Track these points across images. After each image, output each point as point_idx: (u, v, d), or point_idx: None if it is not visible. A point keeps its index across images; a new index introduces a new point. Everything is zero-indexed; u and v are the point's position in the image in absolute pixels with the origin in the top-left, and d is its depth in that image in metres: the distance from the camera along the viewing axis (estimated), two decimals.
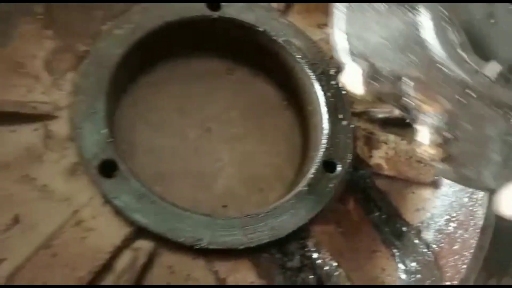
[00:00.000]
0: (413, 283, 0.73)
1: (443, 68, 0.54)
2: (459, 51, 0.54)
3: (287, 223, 0.72)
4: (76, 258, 0.63)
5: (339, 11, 0.59)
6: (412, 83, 0.55)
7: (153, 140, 0.83)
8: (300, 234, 0.73)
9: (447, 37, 0.54)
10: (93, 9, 0.75)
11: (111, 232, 0.65)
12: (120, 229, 0.66)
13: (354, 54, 0.57)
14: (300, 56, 0.82)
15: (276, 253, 0.72)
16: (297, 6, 0.87)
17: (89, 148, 0.67)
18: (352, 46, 0.58)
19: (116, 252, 0.64)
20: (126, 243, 0.65)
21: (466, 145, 0.54)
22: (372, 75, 0.56)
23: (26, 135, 0.66)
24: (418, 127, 0.54)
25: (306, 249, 0.73)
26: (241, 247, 0.69)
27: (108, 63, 0.72)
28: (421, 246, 0.76)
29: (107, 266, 0.64)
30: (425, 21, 0.56)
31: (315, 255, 0.73)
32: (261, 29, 0.82)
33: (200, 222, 0.68)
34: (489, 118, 0.54)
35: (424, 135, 0.54)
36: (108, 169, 0.66)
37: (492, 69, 0.54)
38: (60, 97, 0.69)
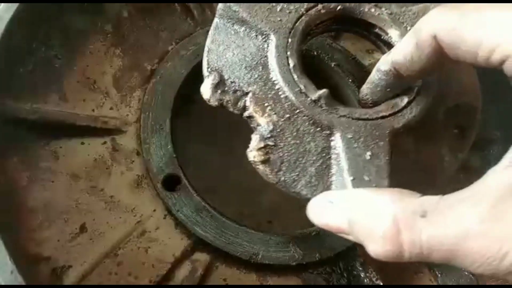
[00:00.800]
0: None
1: (277, 86, 0.62)
2: (292, 73, 0.62)
3: (336, 243, 0.75)
4: (140, 268, 0.65)
5: (212, 31, 0.68)
6: (250, 96, 0.62)
7: (204, 155, 0.87)
8: (348, 254, 0.75)
9: (283, 62, 0.62)
10: (160, 30, 0.78)
11: (172, 243, 0.68)
12: (180, 241, 0.68)
13: (211, 68, 0.66)
14: (351, 80, 0.85)
15: (324, 271, 0.75)
16: (346, 33, 0.88)
17: (155, 163, 0.70)
18: (210, 61, 0.66)
19: (177, 263, 0.67)
20: (185, 255, 0.68)
21: (286, 154, 0.61)
22: (220, 86, 0.63)
23: (96, 147, 0.69)
24: (252, 136, 0.61)
25: (353, 268, 0.75)
26: (293, 263, 0.72)
27: (174, 82, 0.76)
28: (463, 270, 0.77)
29: (168, 276, 0.66)
30: (271, 47, 0.64)
31: (362, 274, 0.74)
32: (314, 53, 0.84)
33: (255, 237, 0.72)
34: (310, 134, 0.61)
35: (253, 141, 0.61)
36: (171, 183, 0.69)
37: (317, 93, 0.62)
38: (128, 112, 0.72)
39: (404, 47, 0.56)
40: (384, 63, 0.60)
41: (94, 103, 0.71)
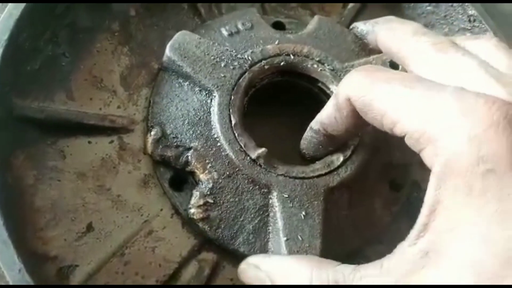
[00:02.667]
0: None
1: (218, 144, 0.64)
2: (234, 131, 0.63)
3: None
4: (147, 267, 0.65)
5: (157, 83, 0.70)
6: (192, 152, 0.64)
7: None
8: None
9: (225, 119, 0.64)
10: (167, 29, 0.77)
11: (179, 242, 0.67)
12: (187, 240, 0.68)
13: (153, 121, 0.68)
14: None
15: None
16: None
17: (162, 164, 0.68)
18: (153, 114, 0.69)
19: (183, 263, 0.66)
20: (192, 254, 0.67)
21: (224, 212, 0.63)
22: (162, 141, 0.66)
23: (103, 146, 0.67)
24: (193, 191, 0.64)
25: None
26: None
27: None
28: None
29: (175, 276, 0.66)
30: (214, 103, 0.65)
31: None
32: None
33: None
34: (248, 192, 0.63)
35: (193, 197, 0.63)
36: (179, 182, 0.68)
37: (256, 151, 0.63)
38: (135, 111, 0.71)
39: (327, 109, 0.60)
40: (315, 122, 0.62)
41: (102, 101, 0.69)
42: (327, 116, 0.59)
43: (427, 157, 0.47)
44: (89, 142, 0.67)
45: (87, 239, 0.62)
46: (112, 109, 0.70)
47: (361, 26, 0.66)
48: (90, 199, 0.64)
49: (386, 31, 0.62)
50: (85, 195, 0.64)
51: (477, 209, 0.42)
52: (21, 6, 0.63)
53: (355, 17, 0.82)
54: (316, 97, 0.71)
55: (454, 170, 0.43)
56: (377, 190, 0.70)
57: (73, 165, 0.65)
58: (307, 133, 0.64)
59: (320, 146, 0.64)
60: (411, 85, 0.48)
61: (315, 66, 0.69)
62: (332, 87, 0.69)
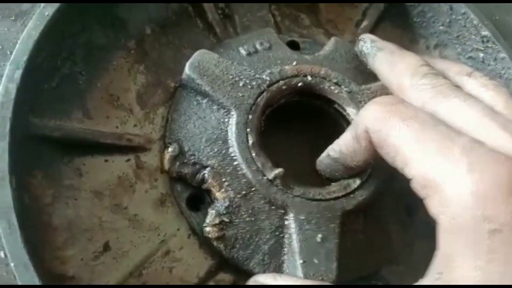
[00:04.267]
0: None
1: (235, 163, 0.63)
2: (250, 151, 0.63)
3: None
4: None
5: (175, 99, 0.70)
6: (209, 170, 0.64)
7: None
8: None
9: (243, 139, 0.63)
10: (183, 47, 0.77)
11: (196, 263, 0.66)
12: (204, 261, 0.67)
13: (171, 138, 0.68)
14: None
15: None
16: None
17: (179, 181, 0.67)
18: (171, 131, 0.68)
19: (201, 284, 0.66)
20: (209, 275, 0.67)
21: (240, 231, 0.62)
22: (180, 157, 0.65)
23: (119, 165, 0.66)
24: (209, 210, 0.63)
25: None
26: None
27: None
28: None
29: None
30: (232, 122, 0.65)
31: None
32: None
33: None
34: (264, 213, 0.62)
35: (209, 216, 0.63)
36: (196, 202, 0.67)
37: (273, 172, 0.63)
38: (152, 130, 0.70)
39: (345, 139, 0.59)
40: (333, 151, 0.62)
41: (118, 120, 0.69)
42: (345, 147, 0.59)
43: (432, 206, 0.47)
44: (106, 161, 0.66)
45: (104, 258, 0.61)
46: (128, 127, 0.69)
47: (367, 45, 0.66)
48: (106, 218, 0.64)
49: (386, 65, 0.61)
50: (101, 214, 0.63)
51: (483, 268, 0.43)
52: (41, 25, 0.63)
53: None
54: (333, 118, 0.72)
55: (462, 225, 0.44)
56: (393, 213, 0.70)
57: (89, 183, 0.64)
58: (325, 159, 0.64)
59: (336, 173, 0.64)
60: (427, 127, 0.48)
61: (332, 87, 0.69)
62: (349, 109, 0.69)
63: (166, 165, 0.66)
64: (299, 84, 0.68)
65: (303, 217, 0.61)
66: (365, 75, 0.71)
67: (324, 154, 0.64)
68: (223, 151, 0.64)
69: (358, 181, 0.65)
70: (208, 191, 0.65)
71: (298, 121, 0.73)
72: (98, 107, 0.68)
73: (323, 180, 0.67)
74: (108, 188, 0.65)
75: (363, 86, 0.70)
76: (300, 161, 0.71)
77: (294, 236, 0.61)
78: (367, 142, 0.54)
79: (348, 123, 0.68)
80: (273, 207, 0.62)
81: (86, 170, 0.65)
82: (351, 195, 0.64)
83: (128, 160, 0.67)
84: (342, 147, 0.60)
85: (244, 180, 0.62)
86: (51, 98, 0.64)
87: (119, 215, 0.64)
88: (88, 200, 0.64)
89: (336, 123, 0.70)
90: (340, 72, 0.69)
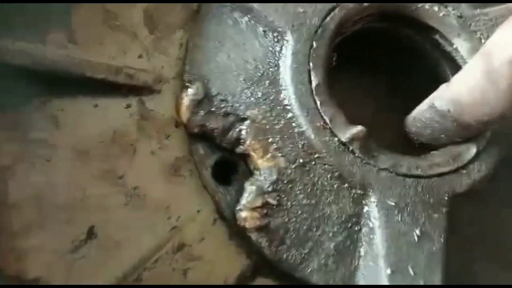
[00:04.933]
0: None
1: (289, 115, 0.51)
2: (315, 97, 0.50)
3: None
4: None
5: (201, 16, 0.57)
6: (248, 125, 0.52)
7: None
8: None
9: (303, 78, 0.51)
10: None
11: (223, 263, 0.54)
12: (235, 261, 0.54)
13: (193, 74, 0.54)
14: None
15: None
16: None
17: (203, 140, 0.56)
18: (193, 63, 0.55)
19: None
20: (243, 281, 0.53)
21: (293, 220, 0.50)
22: (205, 104, 0.53)
23: (115, 113, 0.55)
24: (245, 185, 0.52)
25: None
26: None
27: None
28: None
29: None
30: (286, 52, 0.52)
31: None
32: None
33: None
34: (332, 192, 0.50)
35: (246, 193, 0.51)
36: (226, 171, 0.55)
37: (349, 131, 0.50)
38: (165, 63, 0.58)
39: (468, 80, 0.47)
40: (441, 99, 0.49)
41: (116, 47, 0.57)
42: (468, 92, 0.47)
43: None
44: (95, 106, 0.55)
45: (87, 251, 0.50)
46: (130, 58, 0.57)
47: None
48: (93, 190, 0.53)
49: None
50: (86, 185, 0.53)
51: None
52: None
53: None
54: (430, 56, 0.59)
55: None
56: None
57: (70, 138, 0.53)
58: (423, 112, 0.53)
59: (443, 135, 0.52)
60: None
61: (436, 9, 0.56)
62: (457, 42, 0.57)
63: (185, 115, 0.53)
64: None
65: (392, 203, 0.49)
66: None
67: (421, 107, 0.53)
68: (272, 97, 0.51)
69: (473, 149, 0.53)
70: (246, 157, 0.52)
71: (379, 60, 0.61)
72: (88, 27, 0.57)
73: (415, 146, 0.56)
74: (97, 147, 0.54)
75: (478, 10, 0.58)
76: (382, 116, 0.61)
77: (379, 232, 0.49)
78: (510, 79, 0.43)
79: (454, 63, 0.57)
80: (345, 185, 0.50)
81: (66, 119, 0.54)
82: (463, 171, 0.52)
83: (128, 106, 0.56)
84: (460, 92, 0.48)
85: (302, 141, 0.50)
86: (18, 10, 0.53)
87: (112, 187, 0.53)
88: (67, 163, 0.53)
89: (435, 64, 0.58)
90: None
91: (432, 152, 0.53)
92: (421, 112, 0.52)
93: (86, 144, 0.54)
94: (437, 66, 0.58)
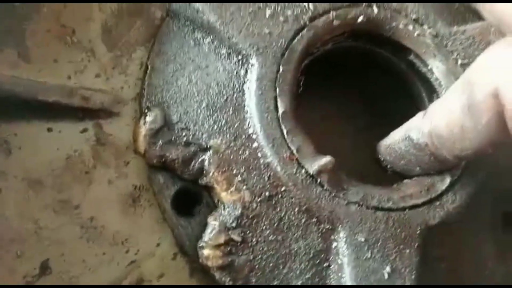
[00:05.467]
0: None
1: (254, 145, 0.48)
2: (281, 125, 0.47)
3: None
4: None
5: (160, 37, 0.53)
6: (211, 155, 0.49)
7: None
8: None
9: (268, 105, 0.48)
10: None
11: None
12: None
13: (151, 100, 0.51)
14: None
15: None
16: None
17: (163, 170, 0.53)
18: (152, 88, 0.51)
19: None
20: None
21: (259, 257, 0.48)
22: (164, 132, 0.50)
23: (70, 137, 0.52)
24: (208, 219, 0.49)
25: None
26: None
27: None
28: None
29: None
30: (251, 77, 0.49)
31: None
32: None
33: None
34: (299, 228, 0.48)
35: (208, 229, 0.48)
36: (187, 203, 0.52)
37: (316, 162, 0.47)
38: (124, 83, 0.55)
39: (446, 113, 0.45)
40: (417, 131, 0.47)
41: (72, 66, 0.54)
42: (447, 126, 0.44)
43: None
44: (49, 130, 0.52)
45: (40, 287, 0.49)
46: (87, 78, 0.54)
47: None
48: (46, 222, 0.50)
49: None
50: (39, 216, 0.50)
51: None
52: None
53: None
54: (405, 78, 0.56)
55: None
56: (488, 228, 0.57)
57: (22, 166, 0.51)
58: (398, 143, 0.49)
59: (418, 168, 0.50)
60: None
61: (410, 27, 0.53)
62: (432, 63, 0.55)
63: (142, 145, 0.50)
64: (360, 19, 0.52)
65: (362, 238, 0.47)
66: (453, 14, 0.57)
67: (396, 137, 0.50)
68: (236, 125, 0.49)
69: (447, 179, 0.50)
70: (209, 189, 0.50)
71: (351, 81, 0.59)
72: (41, 44, 0.54)
73: (388, 175, 0.53)
74: (51, 175, 0.52)
75: (455, 28, 0.55)
76: (354, 144, 0.58)
77: (348, 269, 0.47)
78: (493, 114, 0.41)
79: (429, 85, 0.54)
80: (313, 220, 0.48)
81: (18, 145, 0.52)
82: (437, 202, 0.50)
83: (85, 130, 0.53)
84: (439, 126, 0.45)
85: (268, 173, 0.48)
86: None
87: (67, 218, 0.51)
88: (19, 193, 0.51)
89: (410, 86, 0.56)
90: (421, 6, 0.55)
91: (405, 181, 0.51)
92: (395, 143, 0.50)
93: (39, 172, 0.51)
94: (412, 88, 0.56)
